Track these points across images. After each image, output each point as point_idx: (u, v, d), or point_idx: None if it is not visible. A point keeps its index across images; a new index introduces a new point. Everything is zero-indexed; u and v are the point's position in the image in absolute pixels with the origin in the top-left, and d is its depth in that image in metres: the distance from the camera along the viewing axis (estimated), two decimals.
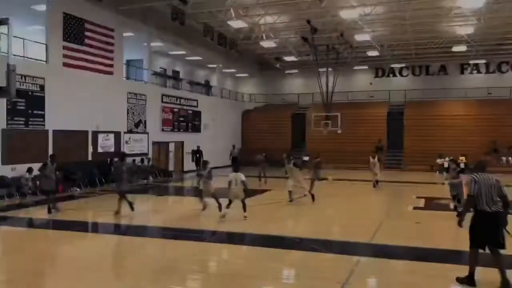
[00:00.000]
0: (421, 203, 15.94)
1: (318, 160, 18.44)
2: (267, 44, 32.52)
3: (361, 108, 36.06)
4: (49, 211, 12.98)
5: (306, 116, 35.93)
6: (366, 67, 39.47)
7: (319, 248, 9.26)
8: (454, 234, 10.43)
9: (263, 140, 35.97)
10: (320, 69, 32.31)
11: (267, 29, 30.00)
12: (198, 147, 28.06)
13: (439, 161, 25.89)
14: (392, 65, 39.01)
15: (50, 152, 18.45)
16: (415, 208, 14.89)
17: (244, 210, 12.26)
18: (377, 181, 20.58)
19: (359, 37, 29.89)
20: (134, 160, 23.06)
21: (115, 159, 13.40)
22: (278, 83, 42.05)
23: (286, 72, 41.37)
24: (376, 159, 20.60)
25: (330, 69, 32.40)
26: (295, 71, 41.29)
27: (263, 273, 7.68)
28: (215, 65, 34.46)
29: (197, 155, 27.21)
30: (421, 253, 8.97)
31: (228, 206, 12.27)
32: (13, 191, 16.38)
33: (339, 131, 30.77)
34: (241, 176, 12.32)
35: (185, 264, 8.26)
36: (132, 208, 12.84)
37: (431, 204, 15.70)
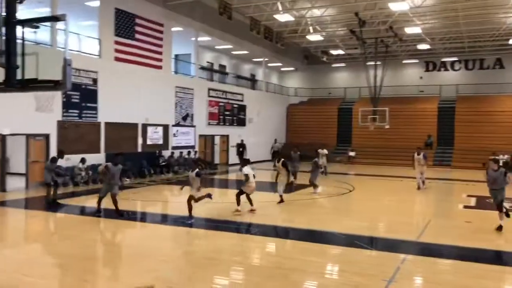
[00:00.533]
0: (472, 202, 15.38)
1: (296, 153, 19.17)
2: (313, 37, 32.24)
3: (410, 103, 35.09)
4: (53, 202, 13.39)
5: (353, 111, 35.40)
6: (416, 60, 38.34)
7: (364, 244, 9.16)
8: (507, 235, 10.04)
9: (308, 135, 35.79)
10: (368, 63, 31.70)
11: (314, 22, 29.73)
12: (242, 140, 28.31)
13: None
14: (443, 59, 37.65)
15: (102, 143, 19.25)
16: (465, 207, 14.39)
17: (251, 204, 12.45)
18: (423, 182, 18.15)
19: (409, 30, 29.05)
20: (181, 153, 23.60)
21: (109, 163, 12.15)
22: (324, 77, 41.60)
23: (333, 65, 40.86)
24: (421, 155, 18.05)
25: (378, 62, 31.71)
26: (342, 64, 40.71)
27: (305, 267, 7.69)
28: (261, 59, 34.54)
29: (241, 149, 27.46)
30: (470, 253, 8.69)
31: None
32: (67, 180, 17.19)
33: (387, 127, 30.10)
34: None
35: (228, 255, 8.40)
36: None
37: (483, 203, 15.08)
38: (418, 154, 18.22)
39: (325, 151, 23.20)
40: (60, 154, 14.47)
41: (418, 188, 17.99)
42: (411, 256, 8.46)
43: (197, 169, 11.48)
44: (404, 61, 38.26)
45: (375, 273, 7.37)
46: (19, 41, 6.62)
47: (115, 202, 11.62)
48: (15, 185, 16.09)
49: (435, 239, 9.78)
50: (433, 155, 31.01)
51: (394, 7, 24.39)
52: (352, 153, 32.66)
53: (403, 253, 8.63)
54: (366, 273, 7.36)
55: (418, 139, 32.25)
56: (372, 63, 31.86)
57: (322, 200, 15.63)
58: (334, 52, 37.07)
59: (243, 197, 12.33)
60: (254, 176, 12.46)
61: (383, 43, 31.96)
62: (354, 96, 38.45)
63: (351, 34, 29.97)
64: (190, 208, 11.20)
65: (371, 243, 9.63)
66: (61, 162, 17.20)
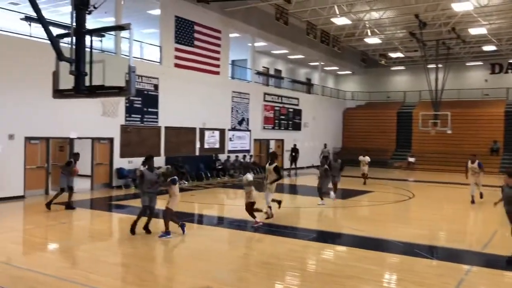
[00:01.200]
0: None
1: (337, 161, 17.13)
2: (371, 40, 31.66)
3: (474, 107, 33.52)
4: (68, 207, 12.96)
5: (413, 115, 34.33)
6: (480, 62, 36.61)
7: (424, 253, 8.84)
8: None
9: (365, 140, 35.14)
10: (429, 66, 30.66)
11: (372, 25, 29.19)
12: (295, 145, 28.19)
13: None
14: (510, 60, 35.68)
15: (162, 147, 19.86)
16: None
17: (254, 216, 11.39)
18: (480, 195, 16.02)
19: (474, 31, 27.81)
20: (237, 157, 23.91)
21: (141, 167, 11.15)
22: (382, 81, 40.68)
23: (392, 69, 39.87)
24: (476, 163, 15.84)
25: (439, 65, 30.59)
26: (401, 67, 39.64)
27: (362, 274, 7.54)
28: (316, 63, 34.33)
29: (293, 154, 27.25)
30: None
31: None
32: (129, 182, 17.90)
33: (449, 132, 28.94)
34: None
35: (283, 260, 8.39)
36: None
37: None
38: (473, 163, 15.97)
39: (367, 159, 21.49)
40: (76, 156, 13.44)
41: (472, 201, 15.68)
42: (476, 268, 8.07)
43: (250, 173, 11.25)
44: (468, 63, 36.66)
45: (436, 283, 7.09)
46: (87, 49, 7.03)
47: (164, 217, 9.98)
48: (81, 186, 16.96)
49: (502, 251, 9.26)
50: (499, 161, 29.44)
51: (457, 7, 23.47)
52: (411, 159, 31.66)
53: (467, 264, 8.25)
54: (426, 283, 7.10)
55: (483, 145, 30.84)
56: (433, 65, 30.78)
57: (379, 207, 15.27)
58: (392, 55, 36.19)
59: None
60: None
61: (444, 45, 30.81)
62: (414, 100, 37.30)
63: (411, 37, 29.17)
64: (252, 214, 11.03)
65: (432, 252, 9.28)
66: (124, 165, 18.03)
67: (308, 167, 29.74)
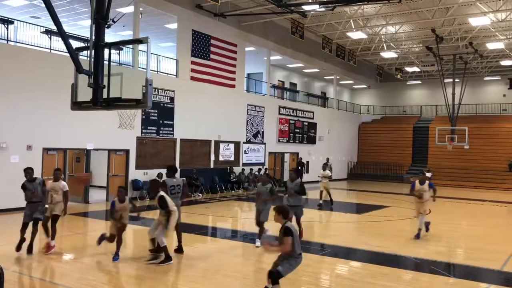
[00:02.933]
0: None
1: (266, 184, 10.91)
2: (387, 54, 31.60)
3: (492, 122, 33.09)
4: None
5: (429, 130, 34.00)
6: (498, 77, 36.21)
7: (441, 270, 8.68)
8: None
9: (381, 154, 34.87)
10: (446, 80, 30.43)
11: (388, 39, 29.15)
12: (301, 159, 27.97)
13: None
14: None
15: (178, 159, 19.95)
16: None
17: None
18: (426, 226, 12.27)
19: (491, 45, 27.59)
20: (251, 170, 23.89)
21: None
22: (398, 95, 40.45)
23: (408, 83, 39.66)
24: (426, 184, 11.97)
25: (457, 79, 30.33)
26: (418, 82, 39.41)
27: None
28: (332, 77, 34.34)
29: (300, 167, 26.77)
30: None
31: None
32: (144, 193, 17.99)
33: (467, 147, 28.56)
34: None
35: (298, 275, 8.30)
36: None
37: None
38: (422, 183, 11.92)
39: (328, 173, 18.32)
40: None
41: (417, 236, 11.70)
42: (494, 286, 7.89)
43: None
44: (485, 78, 36.30)
45: None
46: (105, 62, 7.14)
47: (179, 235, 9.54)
48: (97, 197, 17.10)
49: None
50: None
51: (474, 22, 23.34)
52: (428, 174, 31.16)
53: (485, 283, 8.08)
54: None
55: (501, 161, 30.43)
56: (450, 80, 30.54)
57: (395, 222, 15.07)
58: (409, 69, 36.03)
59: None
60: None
61: (462, 59, 30.59)
62: (430, 114, 37.00)
63: (427, 51, 29.03)
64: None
65: (449, 269, 9.11)
66: (139, 176, 18.14)
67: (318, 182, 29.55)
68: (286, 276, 5.91)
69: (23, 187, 9.05)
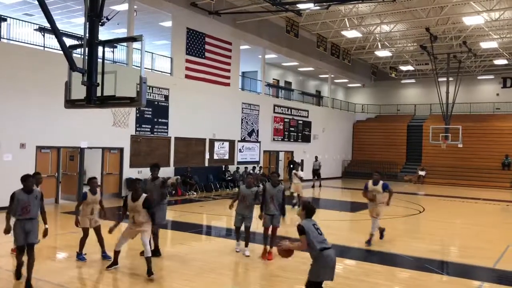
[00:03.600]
0: None
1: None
2: (382, 53, 31.66)
3: (486, 121, 33.28)
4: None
5: (423, 128, 34.15)
6: (492, 76, 36.41)
7: (434, 268, 8.72)
8: None
9: (375, 152, 35.00)
10: (440, 79, 30.55)
11: (382, 38, 29.22)
12: (293, 157, 27.89)
13: None
14: None
15: (172, 157, 19.90)
16: None
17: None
18: (381, 233, 11.23)
19: (485, 45, 27.72)
20: (246, 168, 23.89)
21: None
22: (393, 93, 40.58)
23: (402, 82, 39.79)
24: (380, 184, 10.86)
25: (450, 78, 30.47)
26: (412, 80, 39.54)
27: None
28: (326, 76, 34.39)
29: (291, 166, 26.60)
30: None
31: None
32: None
33: (460, 145, 28.72)
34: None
35: (293, 273, 8.32)
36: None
37: None
38: (375, 183, 10.91)
39: (301, 173, 16.90)
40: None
41: (369, 241, 10.60)
42: (487, 284, 7.94)
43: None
44: (479, 77, 36.48)
45: None
46: (99, 60, 7.10)
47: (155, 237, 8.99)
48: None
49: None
50: (511, 176, 29.15)
51: (468, 21, 23.44)
52: (422, 172, 31.42)
53: (478, 280, 8.13)
54: None
55: (494, 159, 30.63)
56: (444, 79, 30.68)
57: (389, 220, 15.10)
58: (403, 68, 36.14)
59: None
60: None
61: (455, 58, 30.73)
62: (424, 113, 37.15)
63: (422, 50, 29.14)
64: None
65: (443, 267, 9.16)
66: (133, 175, 18.07)
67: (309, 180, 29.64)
68: (325, 280, 5.75)
69: (12, 197, 6.99)
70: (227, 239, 11.84)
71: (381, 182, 10.86)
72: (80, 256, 8.56)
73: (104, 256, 8.71)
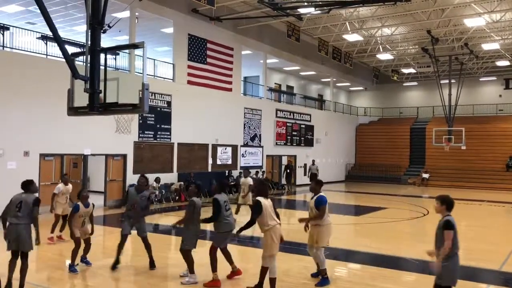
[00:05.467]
0: None
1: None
2: (383, 56, 31.67)
3: (489, 123, 33.19)
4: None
5: (426, 131, 34.08)
6: (494, 78, 36.36)
7: None
8: None
9: (378, 155, 34.93)
10: (442, 81, 30.52)
11: (383, 41, 29.24)
12: (289, 162, 27.81)
13: None
14: None
15: (175, 163, 19.91)
16: None
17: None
18: (317, 269, 8.18)
19: (487, 46, 27.71)
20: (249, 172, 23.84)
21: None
22: (395, 96, 40.56)
23: (404, 84, 39.78)
24: (314, 199, 8.03)
25: (453, 80, 30.43)
26: (414, 83, 39.52)
27: None
28: (328, 79, 34.39)
29: (288, 171, 26.48)
30: None
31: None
32: None
33: (463, 147, 28.63)
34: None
35: (296, 277, 8.28)
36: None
37: None
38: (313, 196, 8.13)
39: (249, 180, 14.38)
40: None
41: (316, 274, 8.18)
42: (493, 287, 7.89)
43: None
44: (481, 79, 36.43)
45: None
46: (101, 67, 7.12)
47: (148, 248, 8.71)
48: (95, 203, 16.99)
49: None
50: None
51: (469, 23, 23.44)
52: (425, 175, 31.33)
53: (484, 283, 8.08)
54: None
55: (498, 161, 30.52)
56: (446, 81, 30.64)
57: (394, 224, 15.06)
58: (405, 70, 36.14)
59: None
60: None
61: (457, 60, 30.71)
62: (427, 116, 37.11)
63: (423, 52, 29.13)
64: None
65: None
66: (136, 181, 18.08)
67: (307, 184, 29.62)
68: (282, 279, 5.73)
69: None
70: (230, 244, 11.78)
71: (318, 195, 7.93)
72: (72, 268, 8.28)
73: (84, 261, 8.71)
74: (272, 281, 7.06)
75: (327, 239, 7.96)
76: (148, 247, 8.67)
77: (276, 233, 7.01)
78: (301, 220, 8.18)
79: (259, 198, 7.04)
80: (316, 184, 8.19)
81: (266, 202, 7.04)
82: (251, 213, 7.12)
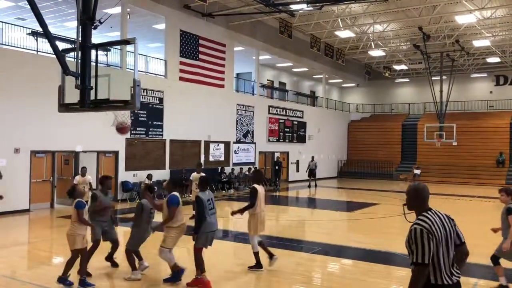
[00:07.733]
0: None
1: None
2: (375, 53, 31.77)
3: (479, 119, 33.45)
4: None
5: (417, 127, 34.28)
6: (485, 74, 36.62)
7: None
8: None
9: (370, 152, 35.10)
10: (433, 78, 30.70)
11: (375, 37, 29.33)
12: (278, 158, 27.80)
13: None
14: None
15: (167, 160, 19.87)
16: None
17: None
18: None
19: (477, 43, 27.88)
20: (241, 169, 23.90)
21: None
22: (387, 93, 40.72)
23: (396, 81, 39.95)
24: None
25: (444, 77, 30.62)
26: (406, 79, 39.71)
27: None
28: (321, 76, 34.46)
29: (276, 167, 26.39)
30: None
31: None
32: (134, 195, 17.90)
33: (455, 143, 28.87)
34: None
35: (289, 274, 8.32)
36: None
37: None
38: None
39: (197, 176, 13.17)
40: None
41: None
42: (482, 281, 7.99)
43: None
44: (472, 75, 36.68)
45: None
46: (92, 63, 7.08)
47: (114, 250, 8.59)
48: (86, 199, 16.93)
49: (508, 263, 9.14)
50: (505, 173, 29.35)
51: (460, 20, 23.57)
52: (417, 171, 31.51)
53: (474, 278, 8.17)
54: None
55: (489, 156, 30.79)
56: (438, 77, 30.83)
57: (386, 219, 15.16)
58: (397, 67, 36.29)
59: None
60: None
61: (449, 57, 30.89)
62: (418, 112, 37.30)
63: (415, 49, 29.27)
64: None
65: None
66: (129, 178, 18.06)
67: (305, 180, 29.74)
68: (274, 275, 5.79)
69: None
70: (223, 240, 11.82)
71: (170, 196, 7.70)
72: (66, 282, 7.32)
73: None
74: (256, 254, 8.17)
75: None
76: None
77: (261, 218, 8.16)
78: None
79: (254, 185, 8.20)
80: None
81: (260, 190, 8.16)
82: (249, 197, 8.16)
